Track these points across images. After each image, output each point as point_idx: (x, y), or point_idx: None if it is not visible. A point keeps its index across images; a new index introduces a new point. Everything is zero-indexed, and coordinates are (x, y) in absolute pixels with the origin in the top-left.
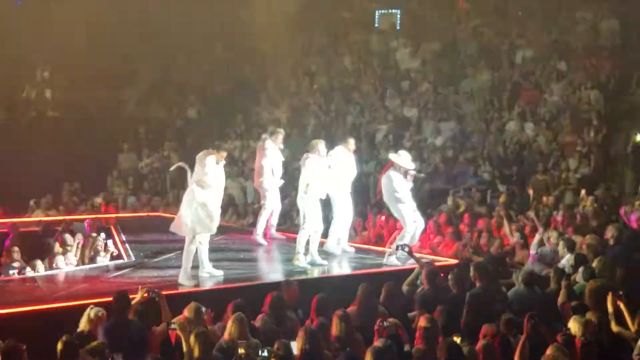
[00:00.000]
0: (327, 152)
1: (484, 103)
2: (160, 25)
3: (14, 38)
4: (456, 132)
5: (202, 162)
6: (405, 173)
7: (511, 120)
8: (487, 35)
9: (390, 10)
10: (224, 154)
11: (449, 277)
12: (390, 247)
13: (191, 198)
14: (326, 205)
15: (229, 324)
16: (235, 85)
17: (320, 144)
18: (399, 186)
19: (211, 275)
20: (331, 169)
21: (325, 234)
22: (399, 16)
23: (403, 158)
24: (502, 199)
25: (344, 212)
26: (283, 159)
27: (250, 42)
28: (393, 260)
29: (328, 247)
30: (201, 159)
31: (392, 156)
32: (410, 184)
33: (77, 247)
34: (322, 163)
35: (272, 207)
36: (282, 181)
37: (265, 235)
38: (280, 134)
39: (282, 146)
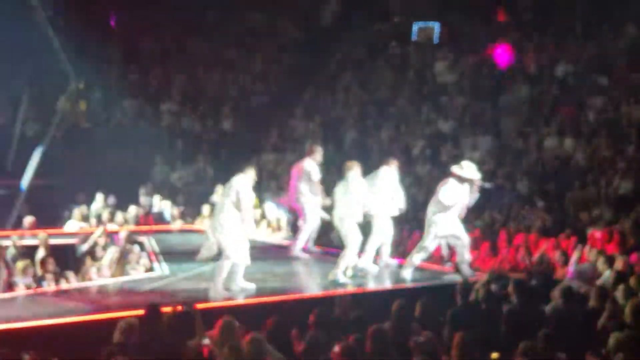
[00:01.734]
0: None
1: (522, 118)
2: (196, 37)
3: (49, 50)
4: (494, 147)
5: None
6: (471, 184)
7: (550, 135)
8: (526, 49)
9: (428, 24)
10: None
11: (479, 291)
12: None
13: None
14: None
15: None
16: (270, 98)
17: (356, 166)
18: (447, 193)
19: (243, 289)
20: (374, 189)
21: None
22: (437, 29)
23: (466, 169)
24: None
25: (384, 229)
26: (320, 176)
27: (286, 54)
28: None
29: (365, 264)
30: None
31: (454, 169)
32: (476, 195)
33: (113, 260)
34: (360, 185)
35: (313, 223)
36: (328, 200)
37: (303, 249)
38: (319, 152)
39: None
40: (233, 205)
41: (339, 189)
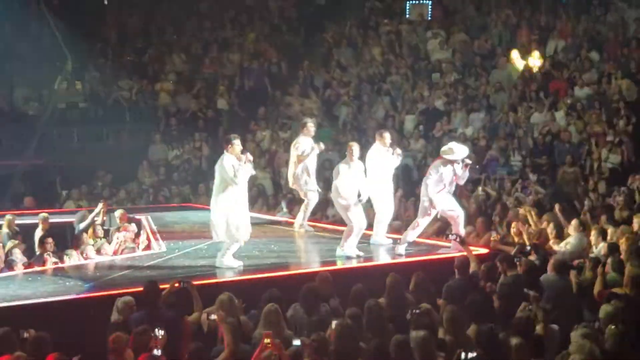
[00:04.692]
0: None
1: (514, 93)
2: (190, 15)
3: (47, 30)
4: (486, 123)
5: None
6: (462, 162)
7: (542, 110)
8: (519, 25)
9: (421, 1)
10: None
11: (481, 268)
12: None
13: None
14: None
15: (263, 315)
16: (265, 77)
17: (355, 147)
18: (437, 175)
19: (229, 267)
20: (369, 169)
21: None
22: (429, 6)
23: (457, 151)
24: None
25: (386, 209)
26: (317, 151)
27: (281, 32)
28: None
29: (377, 240)
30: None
31: (443, 154)
32: (466, 174)
33: (121, 242)
34: (356, 168)
35: (314, 199)
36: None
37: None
38: (310, 124)
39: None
40: (224, 185)
41: (341, 169)
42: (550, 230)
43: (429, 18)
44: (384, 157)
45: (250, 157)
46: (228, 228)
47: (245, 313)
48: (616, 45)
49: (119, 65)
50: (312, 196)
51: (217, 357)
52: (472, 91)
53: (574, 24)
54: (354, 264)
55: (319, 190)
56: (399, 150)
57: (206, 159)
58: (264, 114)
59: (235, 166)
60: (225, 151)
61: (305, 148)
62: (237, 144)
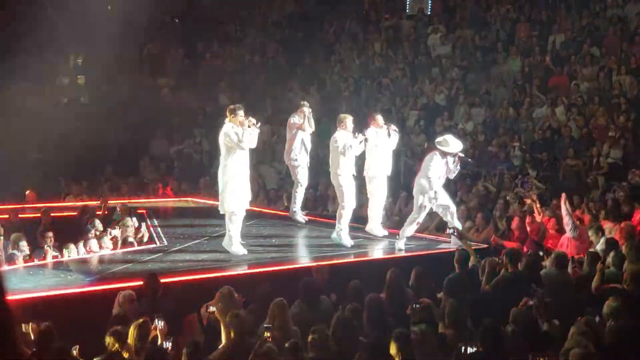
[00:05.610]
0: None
1: (515, 88)
2: (192, 10)
3: (47, 24)
4: (487, 118)
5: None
6: (455, 156)
7: (542, 105)
8: (519, 20)
9: None
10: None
11: (481, 263)
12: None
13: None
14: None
15: (270, 310)
16: (266, 71)
17: (348, 119)
18: (434, 169)
19: (234, 253)
20: (367, 152)
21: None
22: (430, 2)
23: (451, 144)
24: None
25: (378, 194)
26: (312, 130)
27: (282, 27)
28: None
29: (372, 228)
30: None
31: (439, 145)
32: (458, 168)
33: (120, 235)
34: (349, 139)
35: (305, 183)
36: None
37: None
38: (305, 107)
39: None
40: (228, 155)
41: (338, 138)
42: (552, 225)
43: (429, 13)
44: (380, 138)
45: (254, 120)
46: (228, 196)
47: (245, 307)
48: (616, 41)
49: (121, 61)
50: (301, 173)
51: (216, 350)
52: (473, 86)
53: (574, 19)
54: (353, 258)
55: (308, 164)
56: (394, 127)
57: (207, 154)
58: (263, 108)
59: (238, 132)
60: (226, 120)
61: (297, 121)
62: (240, 114)
